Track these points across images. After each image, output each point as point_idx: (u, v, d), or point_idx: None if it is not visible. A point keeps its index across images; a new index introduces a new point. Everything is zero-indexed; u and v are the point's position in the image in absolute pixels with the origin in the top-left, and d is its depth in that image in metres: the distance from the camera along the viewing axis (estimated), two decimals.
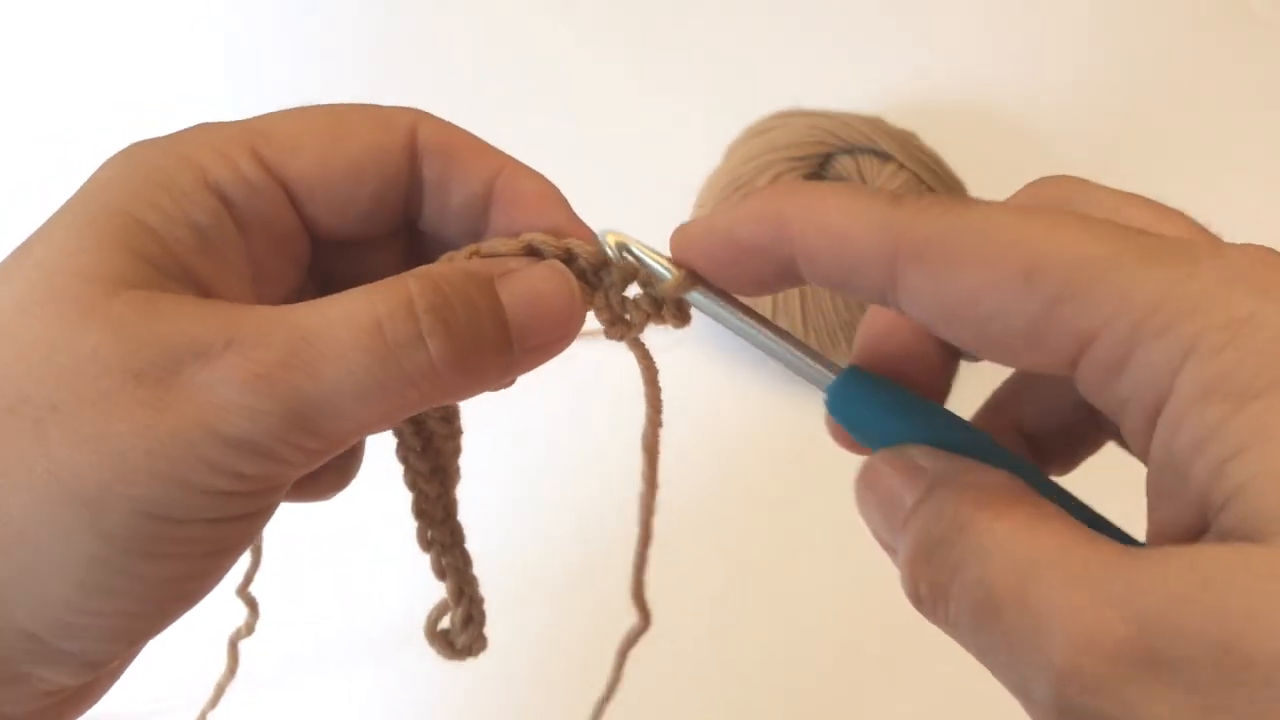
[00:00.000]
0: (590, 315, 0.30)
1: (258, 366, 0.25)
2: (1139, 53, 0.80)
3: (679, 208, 0.68)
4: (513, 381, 0.31)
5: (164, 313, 0.25)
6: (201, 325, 0.25)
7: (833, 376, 0.28)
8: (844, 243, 0.25)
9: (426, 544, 0.35)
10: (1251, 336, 0.20)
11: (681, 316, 0.30)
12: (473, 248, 0.29)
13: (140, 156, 0.28)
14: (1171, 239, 0.22)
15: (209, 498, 0.25)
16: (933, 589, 0.23)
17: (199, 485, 0.25)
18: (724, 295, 0.29)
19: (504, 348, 0.28)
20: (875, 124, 0.66)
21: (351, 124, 0.30)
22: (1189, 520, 0.22)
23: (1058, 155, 0.74)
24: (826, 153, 0.64)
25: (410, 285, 0.26)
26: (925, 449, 0.26)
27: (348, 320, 0.26)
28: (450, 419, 0.34)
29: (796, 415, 0.61)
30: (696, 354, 0.64)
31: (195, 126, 0.29)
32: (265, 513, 0.28)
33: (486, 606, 0.36)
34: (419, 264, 0.29)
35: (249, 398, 0.25)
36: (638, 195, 0.73)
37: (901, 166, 0.64)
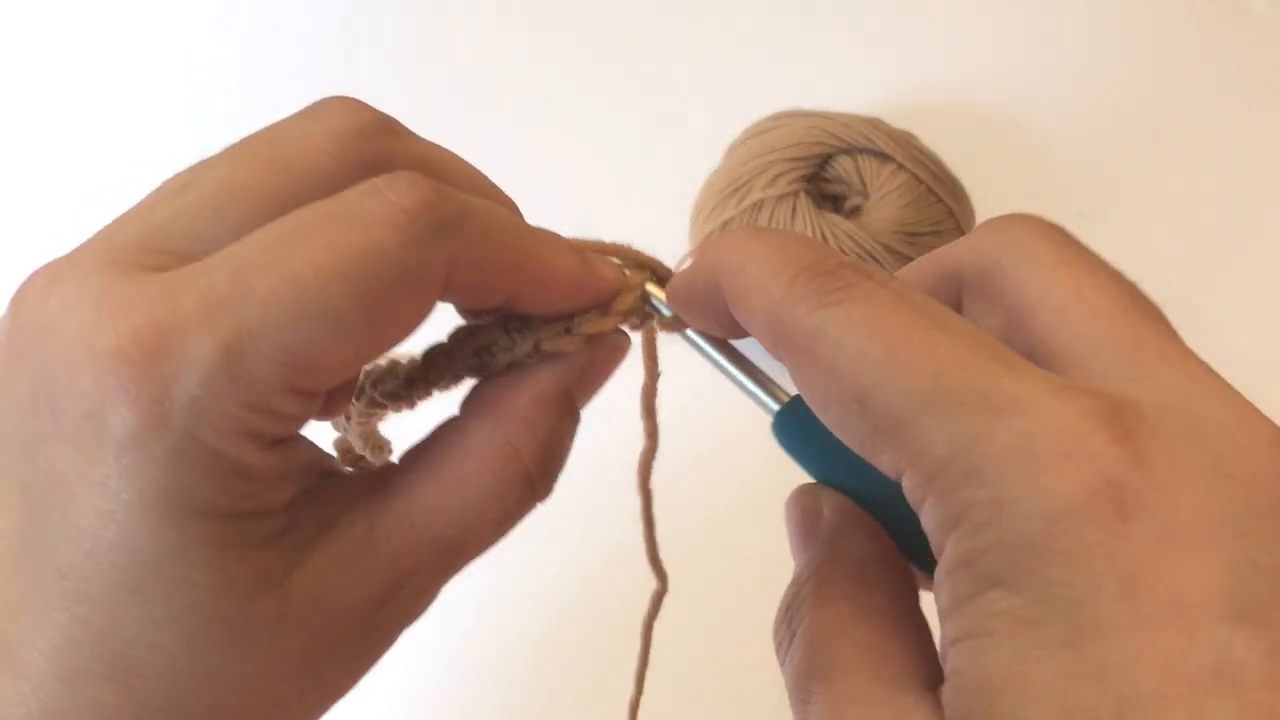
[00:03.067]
0: None
1: (427, 594, 0.27)
2: (1139, 53, 0.80)
3: (679, 208, 0.68)
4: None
5: (332, 589, 0.26)
6: (367, 583, 0.26)
7: (774, 398, 0.29)
8: (747, 313, 0.25)
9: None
10: (1009, 522, 0.20)
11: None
12: (534, 340, 0.28)
13: (187, 448, 0.23)
14: (1001, 381, 0.21)
15: (226, 480, 0.24)
16: (778, 652, 0.26)
17: (212, 468, 0.23)
18: (711, 339, 0.30)
19: (577, 428, 0.29)
20: (875, 125, 0.66)
21: (386, 308, 0.24)
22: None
23: (1058, 155, 0.74)
24: (826, 153, 0.64)
25: (529, 465, 0.27)
26: (834, 496, 0.28)
27: (485, 522, 0.27)
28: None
29: None
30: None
31: (218, 372, 0.23)
32: (284, 502, 0.27)
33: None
34: None
35: (420, 612, 0.27)
36: (638, 195, 0.73)
37: (901, 167, 0.64)
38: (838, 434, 0.24)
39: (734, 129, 0.69)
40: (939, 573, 0.22)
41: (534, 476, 0.28)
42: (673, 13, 0.83)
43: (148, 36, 0.83)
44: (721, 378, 0.30)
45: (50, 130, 0.79)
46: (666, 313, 0.30)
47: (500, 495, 0.27)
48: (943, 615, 0.22)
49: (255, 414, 0.23)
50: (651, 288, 0.30)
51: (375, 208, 0.24)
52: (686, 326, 0.30)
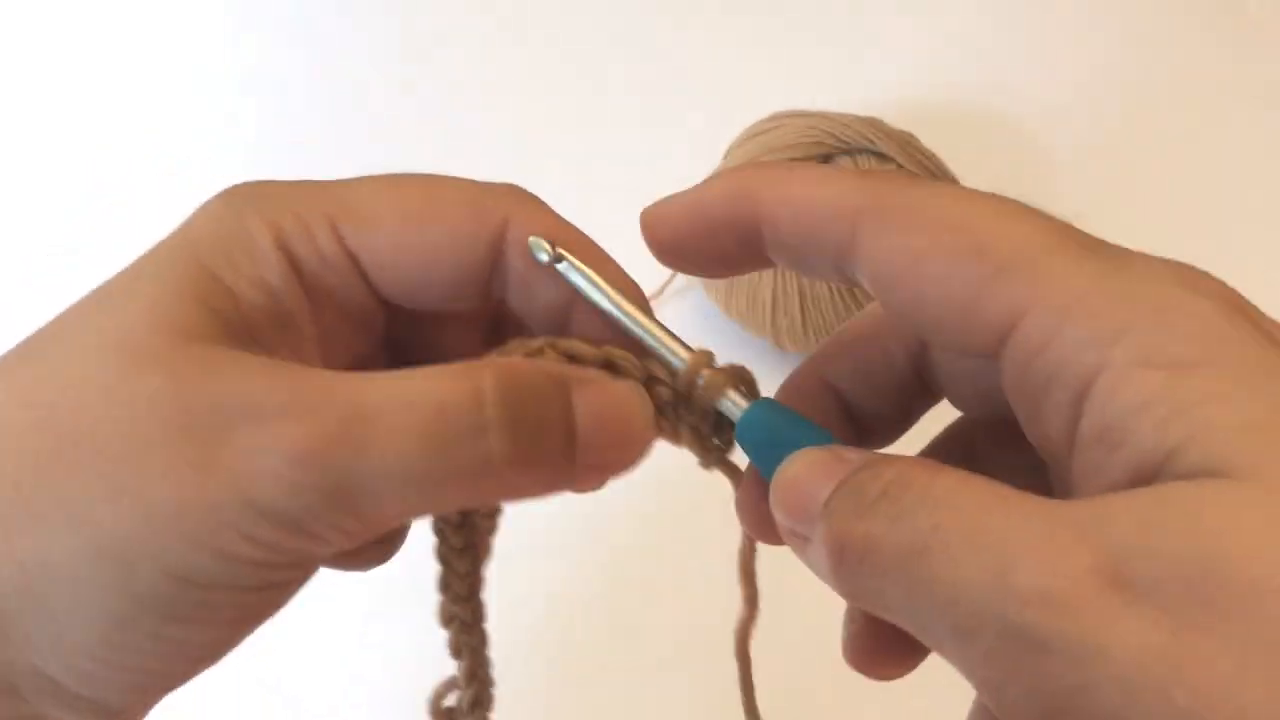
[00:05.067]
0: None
1: (307, 439, 0.23)
2: (1138, 54, 0.80)
3: None
4: (389, 554, 0.31)
5: (224, 369, 0.25)
6: (258, 386, 0.24)
7: (736, 403, 0.28)
8: (809, 204, 0.26)
9: (447, 620, 0.33)
10: (1182, 320, 0.22)
11: (730, 469, 0.29)
12: (549, 340, 0.28)
13: (226, 213, 0.28)
14: (1107, 242, 0.24)
15: (236, 565, 0.24)
16: (865, 541, 0.22)
17: (227, 552, 0.24)
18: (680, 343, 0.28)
19: (567, 459, 0.26)
20: (874, 125, 0.66)
21: (439, 206, 0.28)
22: (1122, 488, 0.22)
23: (1057, 156, 0.75)
24: (825, 154, 0.64)
25: (485, 374, 0.25)
26: (850, 447, 0.26)
27: (409, 401, 0.24)
28: (493, 512, 0.33)
29: None
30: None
31: (285, 183, 0.29)
32: (296, 583, 0.27)
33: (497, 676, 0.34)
34: (499, 341, 0.28)
35: (293, 470, 0.23)
36: (637, 196, 0.73)
37: (900, 168, 0.64)
38: (925, 302, 0.24)
39: (734, 129, 0.69)
40: (1105, 382, 0.22)
41: (488, 401, 0.25)
42: (673, 13, 0.83)
43: (151, 36, 0.83)
44: None
45: (51, 129, 0.79)
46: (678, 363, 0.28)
47: (438, 384, 0.25)
48: (1132, 410, 0.21)
49: (290, 217, 0.27)
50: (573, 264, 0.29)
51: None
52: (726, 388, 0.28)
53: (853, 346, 0.31)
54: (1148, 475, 0.21)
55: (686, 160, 0.69)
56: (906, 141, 0.66)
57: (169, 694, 0.27)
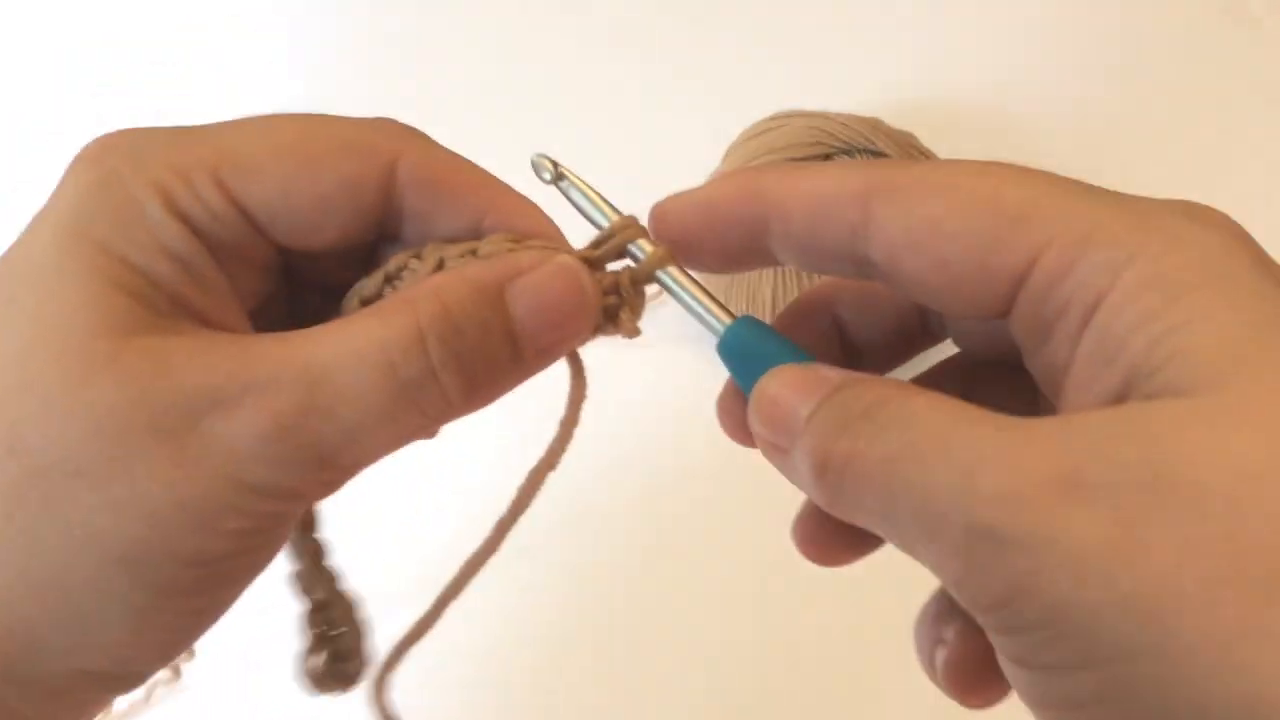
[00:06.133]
0: None
1: (277, 417, 0.25)
2: (1138, 54, 0.80)
3: None
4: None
5: (175, 361, 0.25)
6: (214, 372, 0.25)
7: (719, 319, 0.29)
8: (819, 192, 0.27)
9: (298, 554, 0.32)
10: (1189, 248, 0.23)
11: (635, 315, 0.30)
12: (470, 245, 0.28)
13: (106, 180, 0.27)
14: (1114, 190, 0.25)
15: (239, 537, 0.26)
16: (847, 455, 0.24)
17: (230, 529, 0.25)
18: (684, 271, 0.30)
19: (515, 360, 0.27)
20: (874, 125, 0.66)
21: (323, 149, 0.28)
22: (1106, 401, 0.23)
23: (1057, 156, 0.74)
24: (825, 154, 0.64)
25: (420, 313, 0.26)
26: (829, 366, 0.27)
27: (360, 360, 0.25)
28: None
29: None
30: (681, 354, 0.64)
31: (157, 133, 0.28)
32: (288, 529, 0.29)
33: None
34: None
35: (272, 448, 0.25)
36: (637, 196, 0.73)
37: None
38: (941, 256, 0.25)
39: (734, 129, 0.69)
40: (1110, 304, 0.23)
41: (430, 341, 0.26)
42: (673, 13, 0.83)
43: (156, 34, 0.83)
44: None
45: (54, 126, 0.79)
46: (600, 218, 0.30)
47: (382, 335, 0.26)
48: (1130, 328, 0.23)
49: (175, 178, 0.27)
50: (579, 187, 0.30)
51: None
52: (669, 264, 0.29)
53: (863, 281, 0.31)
54: (1130, 391, 0.23)
55: (687, 160, 0.69)
56: (906, 141, 0.66)
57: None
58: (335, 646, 0.32)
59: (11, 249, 0.27)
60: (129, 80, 0.80)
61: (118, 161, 0.27)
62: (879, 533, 0.24)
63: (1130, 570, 0.20)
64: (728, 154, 0.68)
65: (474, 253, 0.28)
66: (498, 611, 0.58)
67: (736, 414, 0.30)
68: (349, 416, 0.25)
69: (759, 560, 0.61)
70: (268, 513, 0.26)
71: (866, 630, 0.58)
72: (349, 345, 0.26)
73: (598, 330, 0.29)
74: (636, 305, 0.30)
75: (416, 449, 0.29)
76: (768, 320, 0.30)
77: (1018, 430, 0.22)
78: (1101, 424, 0.22)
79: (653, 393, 0.61)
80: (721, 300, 0.30)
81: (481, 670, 0.57)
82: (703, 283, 0.30)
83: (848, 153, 0.64)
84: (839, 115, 0.66)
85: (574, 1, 0.84)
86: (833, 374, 0.26)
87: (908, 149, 0.65)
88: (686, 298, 0.30)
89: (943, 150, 0.67)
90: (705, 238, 0.29)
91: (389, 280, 0.29)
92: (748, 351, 0.29)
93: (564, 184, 0.30)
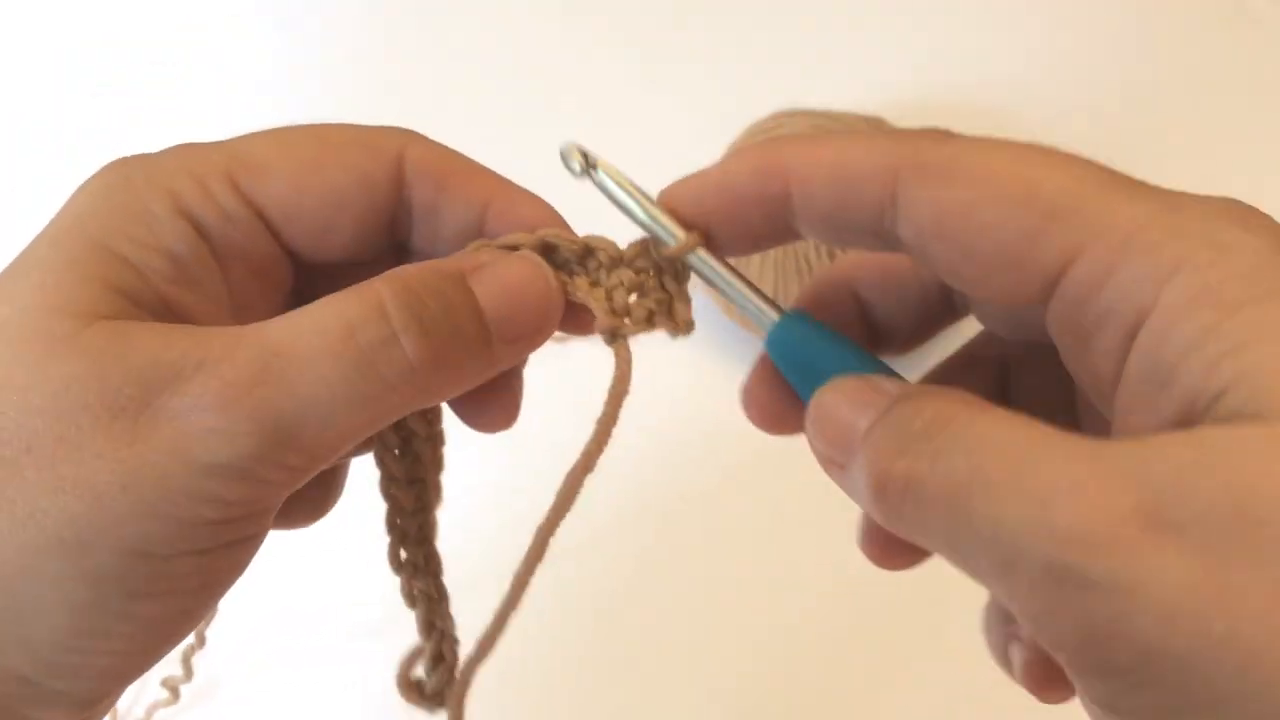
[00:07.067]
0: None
1: (229, 387, 0.24)
2: (1139, 53, 0.79)
3: None
4: (513, 415, 0.31)
5: (135, 341, 0.24)
6: (171, 350, 0.24)
7: (767, 313, 0.29)
8: (844, 166, 0.25)
9: (398, 564, 0.32)
10: (1236, 258, 0.22)
11: (684, 312, 0.30)
12: (454, 256, 0.29)
13: (114, 183, 0.27)
14: (1152, 184, 0.24)
15: (193, 528, 0.24)
16: (908, 478, 0.23)
17: (182, 517, 0.24)
18: (724, 261, 0.29)
19: (483, 341, 0.27)
20: (875, 124, 0.65)
21: (333, 149, 0.28)
22: (1168, 425, 0.22)
23: None
24: None
25: (380, 287, 0.26)
26: (886, 377, 0.26)
27: (318, 329, 0.25)
28: (431, 419, 0.32)
29: None
30: (701, 353, 0.63)
31: (175, 148, 0.28)
32: (254, 541, 0.27)
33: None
34: None
35: (223, 420, 0.24)
36: None
37: None
38: (972, 249, 0.24)
39: (734, 129, 0.69)
40: (1156, 323, 0.22)
41: (392, 310, 0.26)
42: (673, 12, 0.82)
43: (156, 34, 0.83)
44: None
45: (56, 124, 0.79)
46: (670, 237, 0.28)
47: (342, 307, 0.25)
48: (1182, 351, 0.21)
49: (186, 180, 0.27)
50: (649, 208, 0.29)
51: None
52: (698, 247, 0.28)
53: (885, 258, 0.31)
54: (1195, 415, 0.21)
55: (688, 159, 0.69)
56: None
57: (141, 675, 0.27)
58: (444, 663, 0.33)
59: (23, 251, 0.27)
60: (129, 80, 0.80)
61: (132, 169, 0.27)
62: (942, 556, 0.23)
63: (1224, 614, 0.19)
64: (728, 153, 0.68)
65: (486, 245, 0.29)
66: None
67: (765, 403, 0.30)
68: (307, 386, 0.24)
69: (776, 556, 0.61)
70: (222, 500, 0.24)
71: (890, 621, 0.58)
72: (308, 319, 0.25)
73: (652, 324, 0.29)
74: (684, 297, 0.30)
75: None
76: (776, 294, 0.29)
77: (1093, 460, 0.21)
78: (1179, 453, 0.20)
79: (657, 390, 0.61)
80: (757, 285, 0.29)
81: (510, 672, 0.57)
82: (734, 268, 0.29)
83: None
84: (841, 114, 0.66)
85: (574, 2, 0.84)
86: (890, 385, 0.25)
87: None
88: (731, 290, 0.29)
89: None
90: (725, 220, 0.28)
91: None
92: (798, 351, 0.28)
93: (597, 174, 0.29)
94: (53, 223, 0.27)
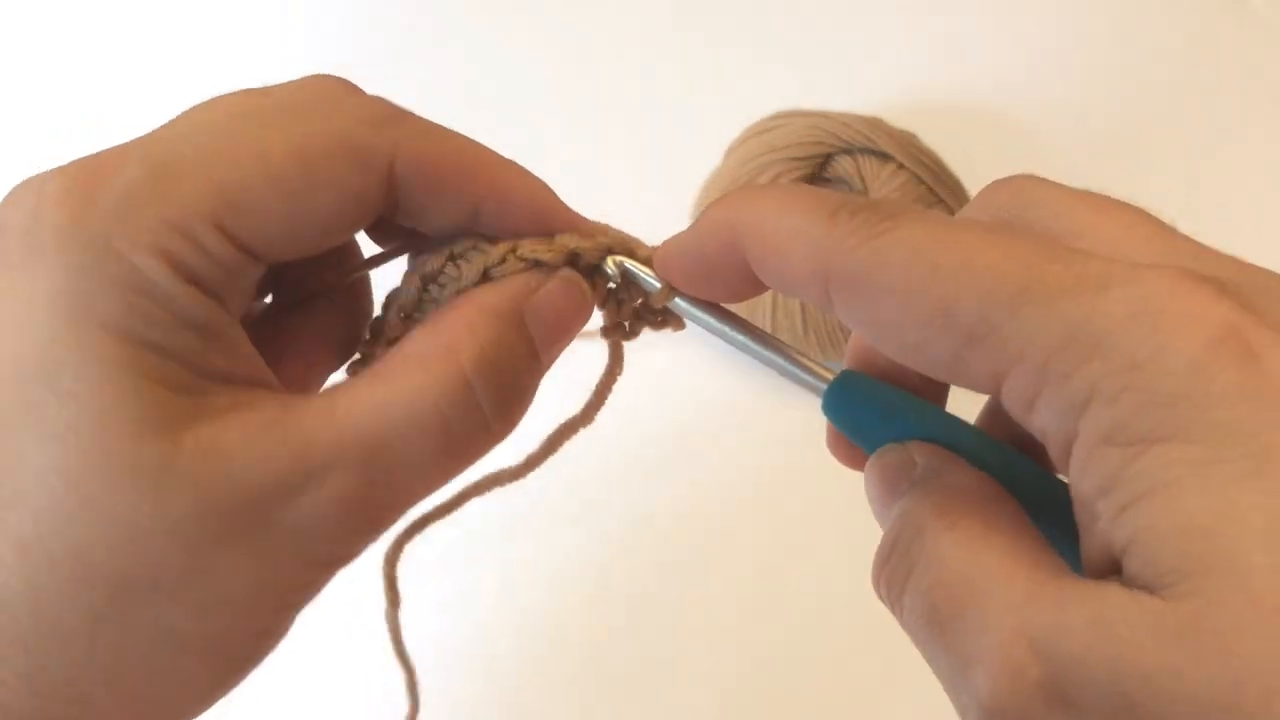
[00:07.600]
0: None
1: (345, 502, 0.25)
2: (1139, 53, 0.80)
3: (679, 208, 0.68)
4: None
5: (232, 457, 0.24)
6: (274, 463, 0.25)
7: (819, 376, 0.29)
8: (782, 260, 0.25)
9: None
10: (1150, 381, 0.20)
11: (676, 323, 0.31)
12: (509, 245, 0.29)
13: (101, 248, 0.24)
14: (1090, 263, 0.22)
15: (305, 595, 0.27)
16: (889, 590, 0.24)
17: (301, 602, 0.27)
18: (703, 304, 0.30)
19: (536, 372, 0.29)
20: (875, 124, 0.66)
21: (321, 162, 0.26)
22: (1097, 555, 0.22)
23: (1058, 155, 0.74)
24: (826, 153, 0.64)
25: (464, 361, 0.27)
26: (921, 445, 0.26)
27: (412, 421, 0.26)
28: None
29: (791, 411, 0.61)
30: (691, 353, 0.64)
31: (134, 183, 0.25)
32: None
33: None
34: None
35: (343, 528, 0.26)
36: (638, 195, 0.73)
37: (901, 167, 0.64)
38: (915, 362, 0.24)
39: (734, 129, 0.69)
40: (1077, 457, 0.21)
41: (478, 389, 0.26)
42: (673, 13, 0.83)
43: (156, 34, 0.83)
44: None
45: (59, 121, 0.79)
46: (654, 284, 0.30)
47: (433, 394, 0.26)
48: (1095, 493, 0.21)
49: (176, 236, 0.24)
50: (630, 263, 0.30)
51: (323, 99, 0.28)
52: (673, 297, 0.29)
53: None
54: (1113, 558, 0.21)
55: (688, 159, 0.69)
56: (907, 141, 0.66)
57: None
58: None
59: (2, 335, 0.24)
60: (129, 80, 0.80)
61: (105, 227, 0.24)
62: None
63: None
64: (728, 153, 0.68)
65: (514, 251, 0.29)
66: (501, 595, 0.58)
67: (846, 456, 0.30)
68: (408, 480, 0.26)
69: (776, 556, 0.61)
70: (329, 576, 0.27)
71: (870, 626, 0.58)
72: (401, 409, 0.26)
73: (652, 325, 0.31)
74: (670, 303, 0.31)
75: None
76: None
77: (1018, 613, 0.21)
78: (1082, 618, 0.20)
79: (656, 392, 0.61)
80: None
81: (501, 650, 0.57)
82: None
83: (848, 152, 0.64)
84: (840, 114, 0.66)
85: (574, 1, 0.84)
86: (921, 456, 0.26)
87: (909, 148, 0.65)
88: (778, 360, 0.29)
89: (944, 149, 0.67)
90: (707, 282, 0.29)
91: (426, 284, 0.30)
92: (847, 418, 0.28)
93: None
94: (43, 307, 0.24)
